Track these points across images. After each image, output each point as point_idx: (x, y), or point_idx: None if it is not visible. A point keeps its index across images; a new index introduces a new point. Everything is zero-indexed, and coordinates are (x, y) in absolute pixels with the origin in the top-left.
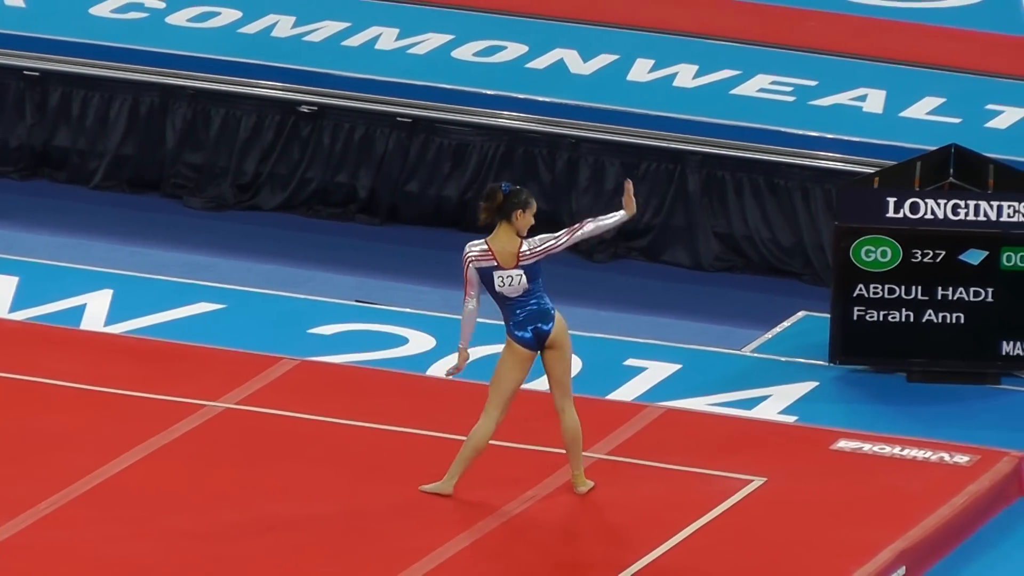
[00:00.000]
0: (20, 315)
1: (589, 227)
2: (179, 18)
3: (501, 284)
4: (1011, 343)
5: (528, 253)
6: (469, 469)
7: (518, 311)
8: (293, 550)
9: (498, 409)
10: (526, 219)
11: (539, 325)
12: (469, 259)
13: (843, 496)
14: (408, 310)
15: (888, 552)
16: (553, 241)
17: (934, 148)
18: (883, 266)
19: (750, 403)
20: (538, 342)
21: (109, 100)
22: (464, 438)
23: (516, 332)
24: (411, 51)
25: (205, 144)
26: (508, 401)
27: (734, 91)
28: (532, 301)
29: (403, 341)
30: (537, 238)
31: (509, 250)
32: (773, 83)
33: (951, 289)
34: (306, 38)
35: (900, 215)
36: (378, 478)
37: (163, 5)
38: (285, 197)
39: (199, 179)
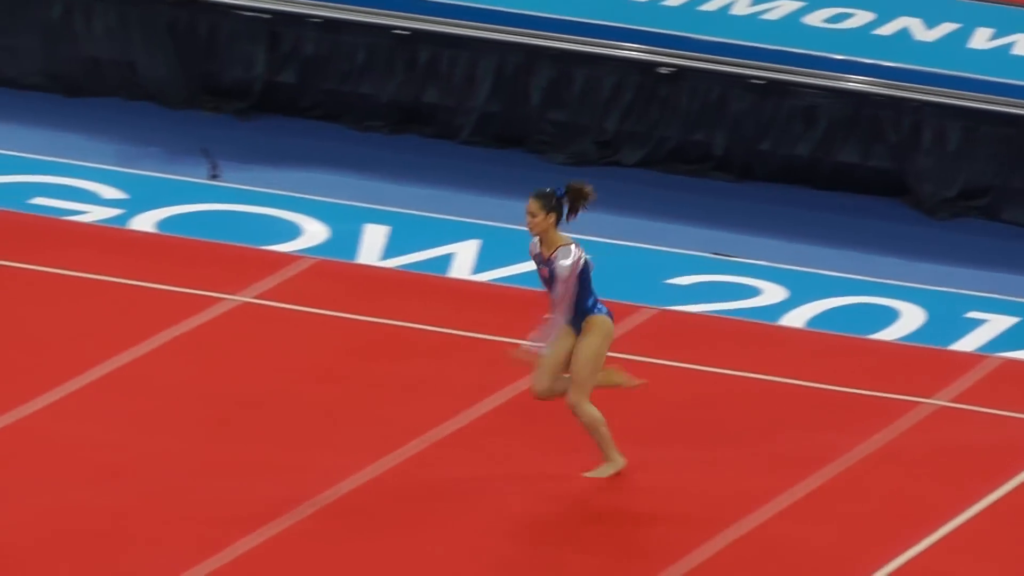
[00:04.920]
0: (392, 263)
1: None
2: None
3: None
4: None
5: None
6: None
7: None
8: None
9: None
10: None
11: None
12: None
13: None
14: (761, 263)
15: None
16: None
17: None
18: None
19: None
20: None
21: (476, 60)
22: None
23: None
24: (763, 16)
25: (568, 103)
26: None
27: None
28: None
29: (756, 292)
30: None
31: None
32: None
33: None
34: (664, 3)
35: None
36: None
37: None
38: (644, 154)
39: (562, 136)
